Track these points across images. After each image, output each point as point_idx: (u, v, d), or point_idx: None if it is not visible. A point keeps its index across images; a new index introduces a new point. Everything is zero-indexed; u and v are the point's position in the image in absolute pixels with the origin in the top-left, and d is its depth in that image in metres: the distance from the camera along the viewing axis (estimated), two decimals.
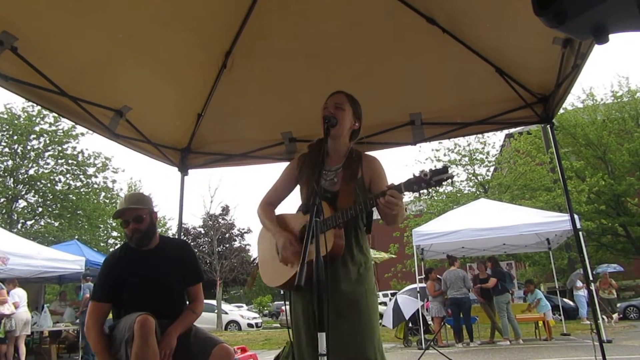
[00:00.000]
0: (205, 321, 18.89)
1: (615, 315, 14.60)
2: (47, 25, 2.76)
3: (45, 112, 22.91)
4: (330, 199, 2.30)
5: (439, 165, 1.94)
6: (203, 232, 29.92)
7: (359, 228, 2.36)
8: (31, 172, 24.46)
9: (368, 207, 2.14)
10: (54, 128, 24.13)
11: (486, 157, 22.14)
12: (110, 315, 2.83)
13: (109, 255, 3.01)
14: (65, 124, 23.92)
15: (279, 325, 25.83)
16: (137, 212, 2.77)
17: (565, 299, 16.55)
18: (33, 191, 24.67)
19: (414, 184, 1.96)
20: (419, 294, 10.77)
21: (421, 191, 1.95)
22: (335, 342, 2.11)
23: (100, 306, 2.74)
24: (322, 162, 2.21)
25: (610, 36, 1.05)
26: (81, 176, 25.56)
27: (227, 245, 30.35)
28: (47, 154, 24.67)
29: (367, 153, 2.50)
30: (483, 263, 11.49)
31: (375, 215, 2.26)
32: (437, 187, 1.92)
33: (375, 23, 3.37)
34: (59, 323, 10.72)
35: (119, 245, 3.47)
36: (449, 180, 1.92)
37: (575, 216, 4.60)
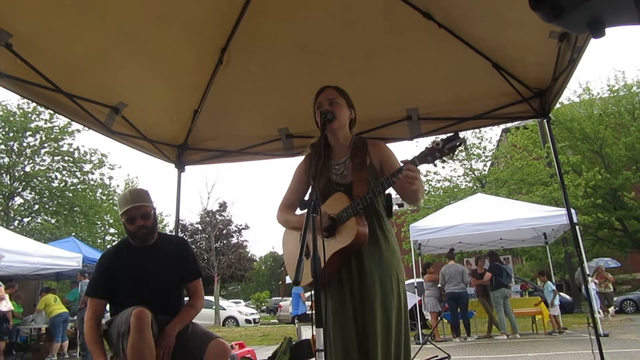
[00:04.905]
0: (203, 317, 18.85)
1: (611, 309, 14.69)
2: (42, 22, 2.73)
3: (40, 109, 22.76)
4: (344, 191, 2.30)
5: (450, 133, 1.94)
6: (200, 228, 29.93)
7: (380, 214, 2.36)
8: (27, 169, 24.30)
9: (385, 187, 2.14)
10: (49, 125, 23.92)
11: (483, 152, 22.14)
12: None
13: (106, 251, 3.02)
14: (61, 120, 23.75)
15: (277, 321, 25.87)
16: (144, 209, 2.79)
17: (562, 293, 16.64)
18: (29, 188, 24.49)
19: (428, 155, 1.97)
20: (416, 289, 10.79)
21: (436, 161, 1.96)
22: (385, 330, 2.12)
23: (95, 302, 2.76)
24: (321, 158, 2.21)
25: (607, 30, 1.05)
26: (77, 173, 25.40)
27: (225, 242, 30.39)
28: (43, 150, 24.46)
29: (370, 138, 2.49)
30: (482, 258, 11.52)
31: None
32: (451, 155, 1.93)
33: (372, 18, 3.36)
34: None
35: (116, 242, 3.47)
36: (462, 146, 1.93)
37: (572, 210, 4.61)
